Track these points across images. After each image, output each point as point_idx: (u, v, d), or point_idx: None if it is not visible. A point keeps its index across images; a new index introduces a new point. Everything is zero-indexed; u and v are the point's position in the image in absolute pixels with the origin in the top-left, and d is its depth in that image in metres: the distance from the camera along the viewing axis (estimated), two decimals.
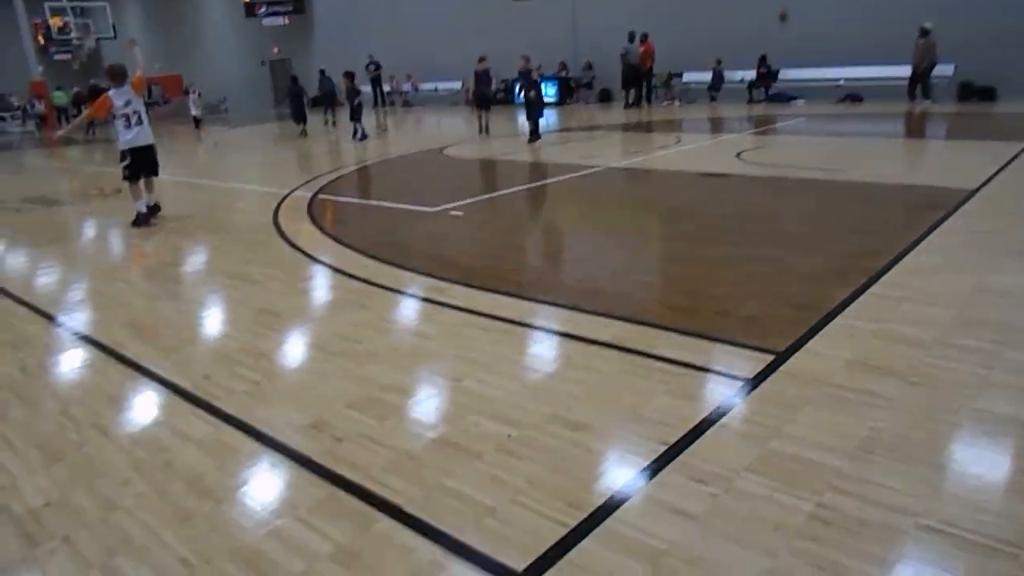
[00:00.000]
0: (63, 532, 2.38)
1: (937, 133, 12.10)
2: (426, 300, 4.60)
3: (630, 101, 19.32)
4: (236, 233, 7.01)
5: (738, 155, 9.94)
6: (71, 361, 3.98)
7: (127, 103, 7.15)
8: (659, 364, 3.39)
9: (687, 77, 20.19)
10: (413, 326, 4.26)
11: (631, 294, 4.54)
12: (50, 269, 6.17)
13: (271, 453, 2.82)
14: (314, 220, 7.37)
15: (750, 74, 18.63)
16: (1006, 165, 7.88)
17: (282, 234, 6.77)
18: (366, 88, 23.26)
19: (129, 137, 7.23)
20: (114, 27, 32.67)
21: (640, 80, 19.17)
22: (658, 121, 15.83)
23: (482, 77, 14.42)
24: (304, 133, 17.20)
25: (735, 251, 5.37)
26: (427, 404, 3.19)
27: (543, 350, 3.74)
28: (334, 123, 18.50)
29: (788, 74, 18.30)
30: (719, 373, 3.27)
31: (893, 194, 7.02)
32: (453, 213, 7.22)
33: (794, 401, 2.97)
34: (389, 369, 3.55)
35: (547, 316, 4.19)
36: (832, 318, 3.81)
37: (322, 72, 19.83)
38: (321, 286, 5.23)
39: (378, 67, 25.06)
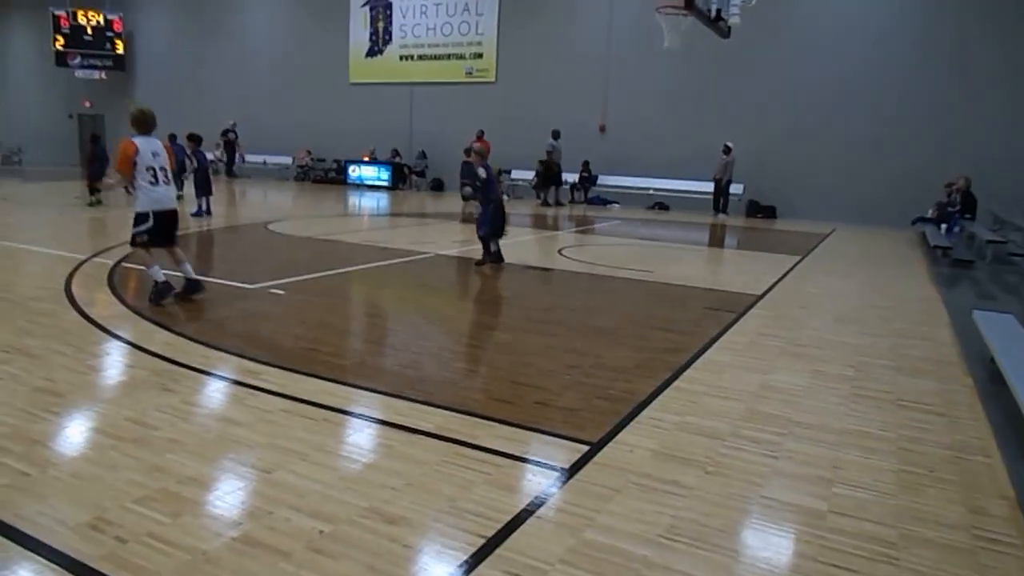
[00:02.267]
0: None
1: (730, 243, 13.65)
2: (238, 383, 4.31)
3: (549, 201, 19.00)
4: (17, 300, 6.21)
5: (560, 251, 10.54)
6: None
7: (155, 154, 6.10)
8: (480, 454, 3.39)
9: (515, 175, 21.31)
10: (222, 411, 3.95)
11: (455, 382, 4.56)
12: None
13: (34, 560, 2.43)
14: (114, 290, 6.73)
15: (574, 176, 20.06)
16: (785, 275, 9.03)
17: (74, 303, 6.10)
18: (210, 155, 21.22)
19: (156, 196, 6.13)
20: None
21: (559, 180, 19.14)
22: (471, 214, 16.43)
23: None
24: (97, 202, 14.22)
25: (555, 342, 5.60)
26: (231, 498, 2.93)
27: (362, 439, 3.61)
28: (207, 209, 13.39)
29: (606, 180, 19.94)
30: (537, 463, 3.34)
31: (693, 296, 7.74)
32: (274, 291, 6.93)
33: (606, 491, 3.08)
34: (190, 459, 3.25)
35: (368, 403, 4.08)
36: (641, 409, 4.06)
37: (172, 138, 15.46)
38: (117, 364, 4.74)
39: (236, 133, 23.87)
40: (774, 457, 3.52)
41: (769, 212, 17.76)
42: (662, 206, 19.02)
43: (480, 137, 20.35)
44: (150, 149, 6.11)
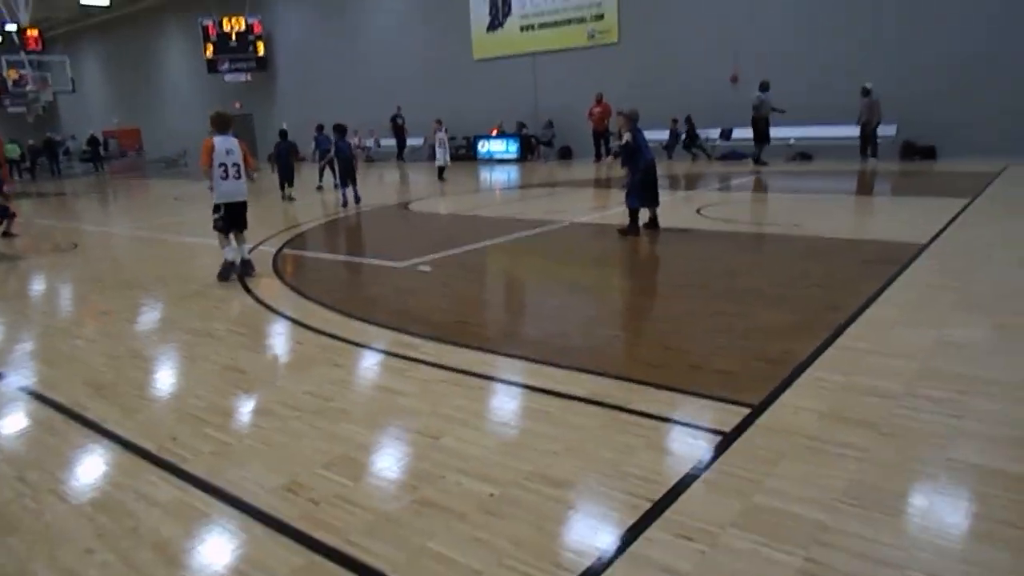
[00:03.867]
0: None
1: (884, 190, 12.63)
2: (397, 356, 4.55)
3: (762, 159, 17.18)
4: (199, 289, 6.87)
5: (698, 211, 10.21)
6: (26, 422, 3.80)
7: (228, 152, 6.74)
8: (637, 419, 3.39)
9: (648, 136, 20.74)
10: (386, 383, 4.19)
11: (602, 349, 4.56)
12: (1, 326, 5.94)
13: (243, 517, 2.71)
14: (279, 275, 7.28)
15: (713, 132, 19.33)
16: (952, 221, 8.25)
17: (247, 289, 6.67)
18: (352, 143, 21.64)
19: (225, 189, 6.81)
20: (73, 81, 32.46)
21: (766, 136, 17.10)
22: (618, 178, 16.17)
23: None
24: (290, 197, 14.68)
25: (702, 305, 5.46)
26: (404, 463, 3.12)
27: (519, 406, 3.71)
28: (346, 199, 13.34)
29: (741, 133, 18.98)
30: (697, 427, 3.29)
31: (848, 249, 7.26)
32: (421, 268, 7.22)
33: (772, 454, 2.99)
34: (363, 427, 3.48)
35: (520, 371, 4.17)
36: (802, 371, 3.88)
37: (319, 128, 16.21)
38: (288, 342, 5.14)
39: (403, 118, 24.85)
40: (958, 417, 3.26)
41: (928, 153, 16.22)
42: (804, 156, 17.88)
43: (600, 100, 20.03)
44: (225, 147, 6.72)
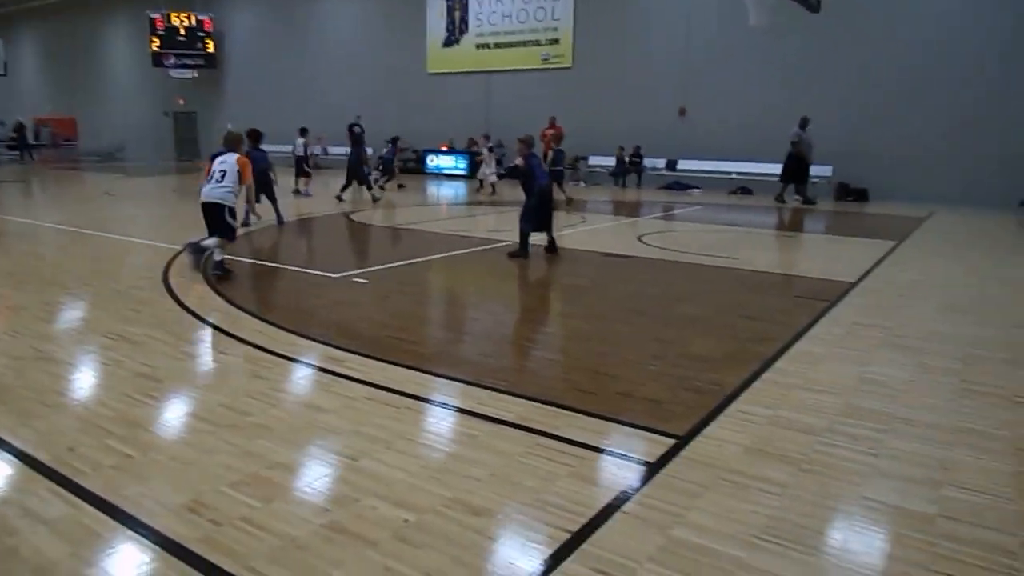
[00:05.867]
0: None
1: (819, 228, 13.05)
2: (324, 370, 4.40)
3: (809, 197, 15.91)
4: (120, 288, 6.55)
5: (640, 238, 10.33)
6: None
7: (222, 162, 7.23)
8: (563, 446, 3.34)
9: (592, 161, 21.04)
10: (309, 398, 4.03)
11: (535, 371, 4.51)
12: None
13: (137, 538, 2.53)
14: (208, 279, 7.01)
15: (660, 162, 19.71)
16: (880, 261, 8.54)
17: (171, 292, 6.39)
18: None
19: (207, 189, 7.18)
20: (5, 64, 31.10)
21: (806, 175, 16.06)
22: (576, 200, 16.31)
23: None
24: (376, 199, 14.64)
25: (637, 331, 5.48)
26: (318, 484, 2.98)
27: (445, 428, 3.61)
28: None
29: (687, 164, 19.42)
30: (622, 457, 3.25)
31: (782, 283, 7.43)
32: (357, 280, 7.06)
33: (695, 487, 2.97)
34: (280, 445, 3.32)
35: (450, 391, 4.08)
36: (729, 403, 3.90)
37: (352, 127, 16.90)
38: (210, 351, 4.92)
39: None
40: (875, 455, 3.31)
41: (861, 195, 16.88)
42: (745, 190, 18.38)
43: (553, 123, 20.21)
44: (220, 158, 7.29)
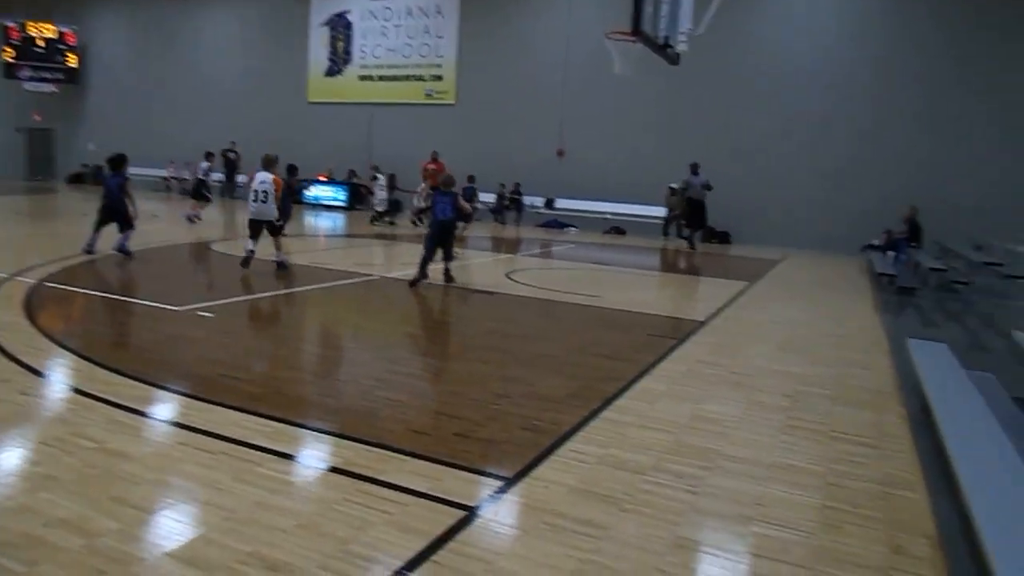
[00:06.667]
0: None
1: (680, 268, 13.67)
2: (138, 413, 4.03)
3: (689, 240, 16.06)
4: None
5: (508, 275, 10.39)
6: None
7: (262, 182, 9.14)
8: (385, 491, 3.19)
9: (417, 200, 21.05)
10: (114, 444, 3.66)
11: (372, 412, 4.34)
12: None
13: None
14: (29, 312, 6.37)
15: (539, 200, 20.08)
16: (731, 301, 8.99)
17: None
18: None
19: (250, 209, 9.27)
20: None
21: (704, 219, 16.28)
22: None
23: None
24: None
25: (489, 369, 5.42)
26: (100, 544, 2.68)
27: (261, 475, 3.37)
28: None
29: (564, 204, 19.93)
30: (444, 501, 3.14)
31: (638, 321, 7.64)
32: (202, 314, 6.64)
33: (513, 532, 2.90)
34: (65, 498, 2.98)
35: (274, 435, 3.84)
36: (563, 442, 3.89)
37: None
38: (10, 392, 4.41)
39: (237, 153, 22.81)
40: (695, 493, 3.38)
41: (723, 237, 17.90)
42: (618, 230, 19.07)
43: (435, 158, 20.28)
44: (259, 179, 9.24)
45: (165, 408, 4.13)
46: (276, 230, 9.36)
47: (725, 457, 3.85)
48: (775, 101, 17.47)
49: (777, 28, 17.56)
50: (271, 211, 9.13)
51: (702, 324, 7.42)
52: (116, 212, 9.77)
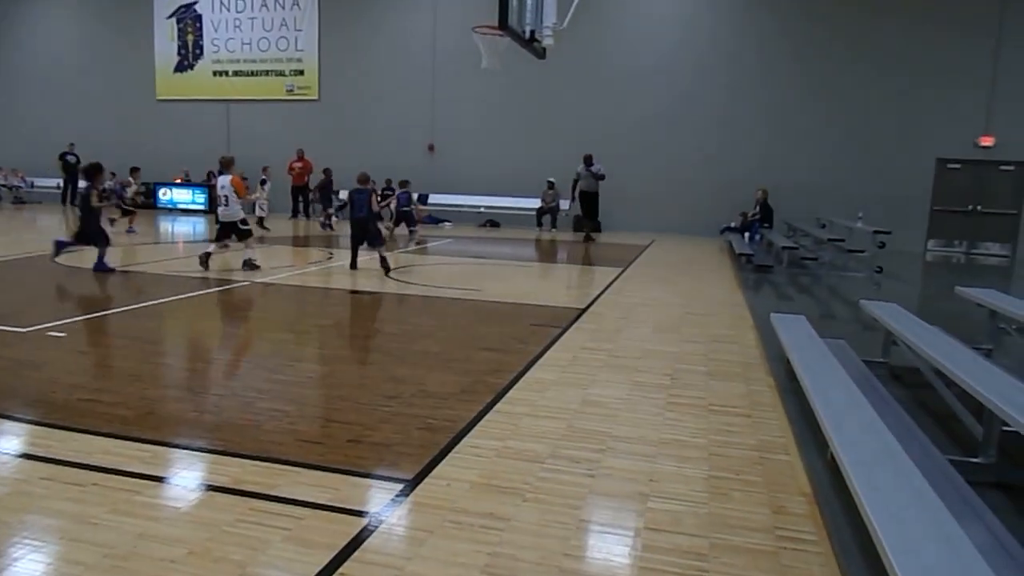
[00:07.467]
0: None
1: (557, 258, 14.00)
2: None
3: (585, 232, 16.39)
4: None
5: (387, 273, 10.22)
6: None
7: (223, 187, 9.70)
8: (279, 507, 3.05)
9: (343, 195, 20.61)
10: None
11: (259, 425, 4.14)
12: None
13: None
14: None
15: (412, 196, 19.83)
16: (608, 287, 9.32)
17: None
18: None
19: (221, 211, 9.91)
20: None
21: (595, 211, 16.56)
22: (314, 236, 15.78)
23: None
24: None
25: (374, 371, 5.32)
26: None
27: (141, 504, 3.12)
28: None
29: (438, 199, 19.85)
30: (343, 511, 3.05)
31: (521, 313, 7.75)
32: (53, 334, 6.06)
33: (419, 534, 2.87)
34: None
35: (153, 459, 3.57)
36: (461, 438, 3.89)
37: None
38: None
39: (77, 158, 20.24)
40: (592, 476, 3.48)
41: (595, 226, 18.48)
42: (493, 223, 19.24)
43: (301, 156, 19.62)
44: (220, 183, 9.87)
45: (19, 441, 3.74)
46: (242, 233, 9.79)
47: (616, 438, 3.98)
48: (637, 93, 18.25)
49: (638, 22, 18.33)
50: (236, 212, 9.59)
51: (582, 311, 7.64)
52: None
